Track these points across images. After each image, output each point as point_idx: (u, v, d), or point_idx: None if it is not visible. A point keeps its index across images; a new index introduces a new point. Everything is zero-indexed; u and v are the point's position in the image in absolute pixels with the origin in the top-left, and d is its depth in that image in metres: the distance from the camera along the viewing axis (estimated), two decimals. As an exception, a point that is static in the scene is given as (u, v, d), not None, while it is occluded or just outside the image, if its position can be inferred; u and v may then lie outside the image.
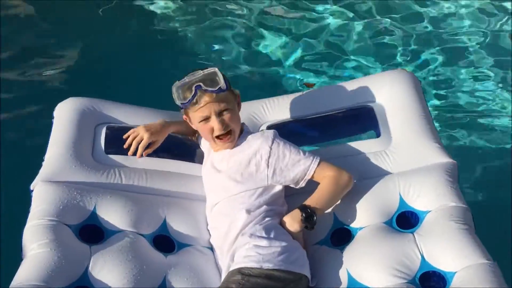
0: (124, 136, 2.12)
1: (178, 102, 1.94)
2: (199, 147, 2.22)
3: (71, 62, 3.84)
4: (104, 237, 1.87)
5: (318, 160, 1.89)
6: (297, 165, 1.89)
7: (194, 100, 1.89)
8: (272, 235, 1.79)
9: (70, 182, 1.96)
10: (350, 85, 2.28)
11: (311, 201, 1.85)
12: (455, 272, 1.66)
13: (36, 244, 1.74)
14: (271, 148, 1.90)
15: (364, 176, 1.97)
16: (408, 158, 2.00)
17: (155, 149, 2.12)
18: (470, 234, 1.75)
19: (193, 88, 1.89)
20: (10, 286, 1.67)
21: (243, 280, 1.67)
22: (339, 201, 1.91)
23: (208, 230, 1.97)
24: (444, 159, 1.98)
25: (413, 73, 2.29)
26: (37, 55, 3.89)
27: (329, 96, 2.27)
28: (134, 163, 2.10)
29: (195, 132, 2.24)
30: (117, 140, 2.13)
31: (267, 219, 1.84)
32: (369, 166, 2.00)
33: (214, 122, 1.91)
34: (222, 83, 1.89)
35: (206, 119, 1.91)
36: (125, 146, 2.10)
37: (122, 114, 2.27)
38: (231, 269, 1.74)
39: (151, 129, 2.09)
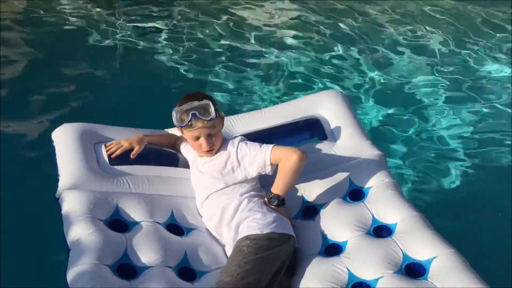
0: (107, 144, 2.61)
1: (176, 124, 2.44)
2: (181, 155, 2.73)
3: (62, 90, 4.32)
4: (129, 227, 2.31)
5: (270, 148, 2.42)
6: (258, 156, 2.42)
7: (189, 124, 2.41)
8: (264, 210, 2.36)
9: (90, 189, 2.40)
10: (297, 103, 2.97)
11: (274, 186, 2.42)
12: (396, 223, 2.35)
13: (83, 234, 2.15)
14: (237, 151, 2.47)
15: (320, 168, 2.61)
16: (351, 153, 2.68)
17: (144, 152, 2.60)
18: (401, 195, 2.47)
19: (190, 115, 2.39)
20: (68, 268, 2.05)
21: (251, 243, 2.20)
22: (298, 178, 2.44)
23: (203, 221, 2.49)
24: (375, 151, 2.69)
25: (341, 92, 3.03)
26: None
27: (281, 112, 2.91)
28: (135, 171, 2.58)
29: (173, 145, 2.77)
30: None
31: (254, 199, 2.41)
32: (324, 160, 2.65)
33: (203, 142, 2.44)
34: (213, 114, 2.41)
35: (197, 138, 2.45)
36: (107, 151, 2.58)
37: (112, 133, 2.73)
38: (238, 238, 2.28)
39: (130, 139, 2.62)
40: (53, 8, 5.72)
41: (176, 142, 2.78)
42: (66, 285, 2.01)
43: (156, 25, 5.57)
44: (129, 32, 5.40)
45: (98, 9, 5.78)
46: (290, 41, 5.50)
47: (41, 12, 5.65)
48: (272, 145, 2.44)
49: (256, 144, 2.48)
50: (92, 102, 4.21)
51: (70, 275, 2.03)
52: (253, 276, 2.10)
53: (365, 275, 2.17)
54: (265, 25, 5.75)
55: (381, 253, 2.22)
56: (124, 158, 2.59)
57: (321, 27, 5.73)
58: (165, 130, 2.86)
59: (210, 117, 2.41)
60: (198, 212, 2.50)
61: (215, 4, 6.10)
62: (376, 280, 2.14)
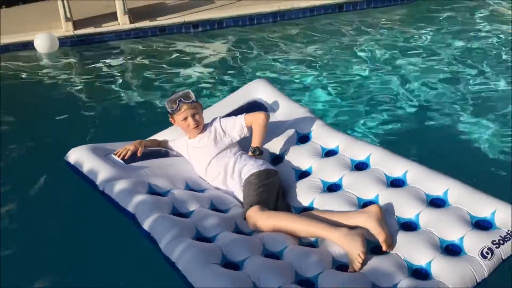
0: (115, 152, 3.46)
1: (169, 110, 3.39)
2: (169, 150, 3.63)
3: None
4: (164, 195, 3.12)
5: (243, 115, 3.44)
6: (236, 123, 3.43)
7: (178, 108, 3.36)
8: (253, 159, 3.34)
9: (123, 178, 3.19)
10: (236, 95, 4.02)
11: (253, 141, 3.42)
12: (338, 145, 3.45)
13: (140, 200, 2.95)
14: (220, 124, 3.46)
15: (272, 129, 3.63)
16: (289, 115, 3.76)
17: (142, 153, 3.46)
18: (334, 129, 3.57)
19: (177, 101, 3.36)
20: (142, 222, 2.83)
21: (256, 176, 3.15)
22: (266, 132, 3.44)
23: (208, 183, 3.39)
24: (305, 109, 3.79)
25: (266, 79, 4.15)
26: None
27: (226, 104, 3.95)
28: (147, 164, 3.41)
29: (158, 146, 3.66)
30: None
31: (244, 155, 3.39)
32: (272, 124, 3.63)
33: (190, 121, 3.39)
34: (193, 98, 3.40)
35: (185, 119, 3.39)
36: (119, 156, 3.42)
37: (111, 147, 3.58)
38: (244, 179, 3.21)
39: (133, 144, 3.49)
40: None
41: (160, 143, 3.68)
42: (146, 234, 2.81)
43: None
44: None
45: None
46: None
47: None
48: (244, 114, 3.46)
49: (233, 116, 3.49)
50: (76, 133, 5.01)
51: (146, 225, 2.82)
52: (266, 194, 3.06)
53: (331, 178, 3.25)
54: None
55: (335, 164, 3.31)
56: (133, 158, 3.42)
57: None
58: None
59: (191, 100, 3.38)
60: (202, 179, 3.40)
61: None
62: (341, 179, 3.23)
